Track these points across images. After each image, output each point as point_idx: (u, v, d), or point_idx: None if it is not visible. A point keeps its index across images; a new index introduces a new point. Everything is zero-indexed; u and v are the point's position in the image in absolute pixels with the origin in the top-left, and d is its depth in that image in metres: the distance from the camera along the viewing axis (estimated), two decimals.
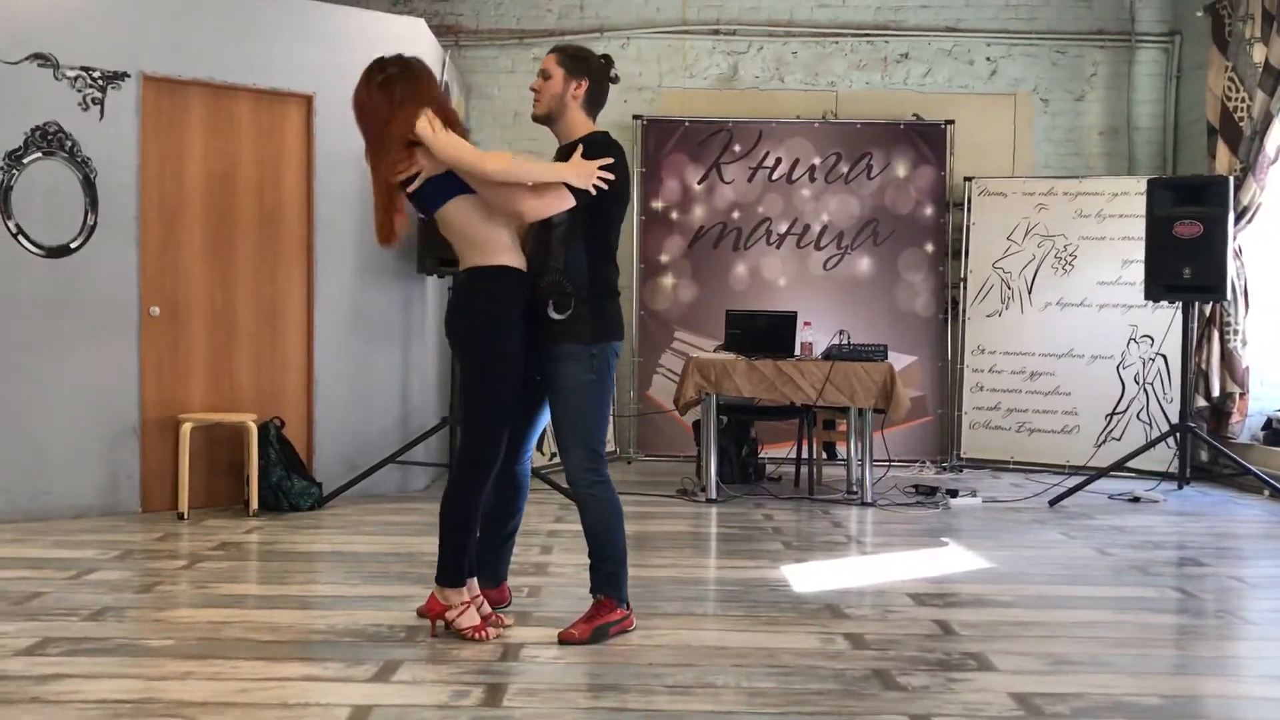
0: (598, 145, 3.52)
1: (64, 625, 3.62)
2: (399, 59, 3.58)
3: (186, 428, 5.56)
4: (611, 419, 3.67)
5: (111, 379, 5.55)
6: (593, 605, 3.57)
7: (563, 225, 3.50)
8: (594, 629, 3.51)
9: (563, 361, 3.52)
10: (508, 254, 3.49)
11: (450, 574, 3.50)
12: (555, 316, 3.49)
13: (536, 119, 3.65)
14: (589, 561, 3.61)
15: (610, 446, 8.03)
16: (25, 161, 5.34)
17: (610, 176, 3.46)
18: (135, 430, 5.62)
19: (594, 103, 3.64)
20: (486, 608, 3.61)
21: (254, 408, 5.91)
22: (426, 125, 3.39)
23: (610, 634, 3.54)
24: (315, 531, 5.33)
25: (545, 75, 3.59)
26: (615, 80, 3.69)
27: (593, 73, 3.60)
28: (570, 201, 3.44)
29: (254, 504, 5.68)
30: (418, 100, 3.45)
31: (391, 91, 3.49)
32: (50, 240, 5.42)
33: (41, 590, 4.06)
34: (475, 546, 3.61)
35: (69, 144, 5.43)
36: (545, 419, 3.75)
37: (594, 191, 3.44)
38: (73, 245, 5.46)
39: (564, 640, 3.47)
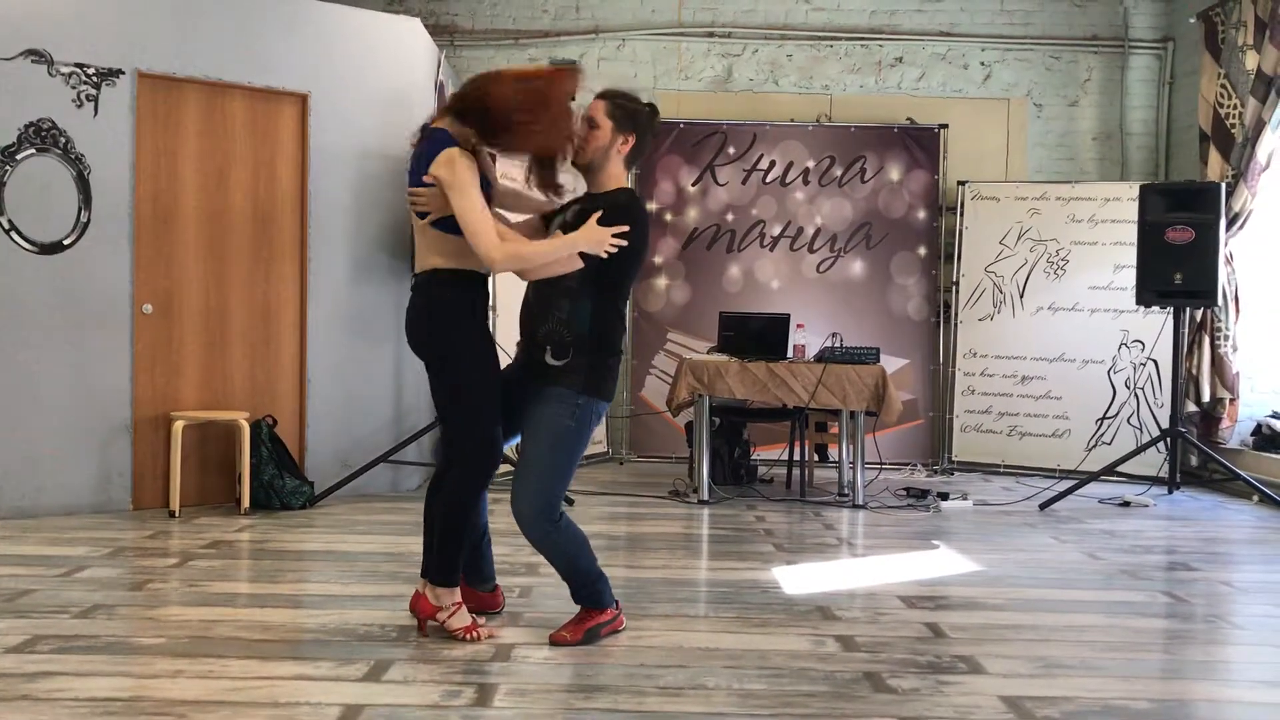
0: (618, 210, 3.41)
1: (54, 623, 3.61)
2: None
3: (178, 425, 5.56)
4: (574, 470, 3.55)
5: (104, 376, 5.54)
6: (581, 610, 3.57)
7: (570, 278, 3.40)
8: (585, 631, 3.51)
9: (547, 401, 3.43)
10: (474, 260, 3.43)
11: (447, 574, 3.50)
12: (551, 362, 3.42)
13: (576, 166, 3.53)
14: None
15: (602, 447, 8.05)
16: (19, 158, 5.33)
17: (623, 243, 3.36)
18: (127, 428, 5.61)
19: (636, 158, 3.56)
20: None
21: (246, 406, 5.91)
22: (452, 173, 3.28)
23: (602, 635, 3.55)
24: (307, 530, 5.33)
25: (593, 124, 3.46)
26: (657, 133, 3.60)
27: (640, 128, 3.50)
28: (579, 264, 3.37)
29: (246, 502, 5.67)
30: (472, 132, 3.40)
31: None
32: (43, 237, 5.41)
33: (32, 588, 4.05)
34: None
35: (63, 140, 5.42)
36: (512, 440, 3.66)
37: (605, 256, 3.36)
38: (66, 242, 5.45)
39: (555, 642, 3.47)
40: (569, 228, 3.48)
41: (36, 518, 5.35)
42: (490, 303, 7.03)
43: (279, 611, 3.86)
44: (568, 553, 3.49)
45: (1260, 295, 7.31)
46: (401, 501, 6.12)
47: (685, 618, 3.89)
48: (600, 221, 3.36)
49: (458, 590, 3.53)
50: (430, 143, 3.39)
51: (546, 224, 3.68)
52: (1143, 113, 8.37)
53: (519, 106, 3.31)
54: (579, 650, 3.44)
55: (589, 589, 3.55)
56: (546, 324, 3.45)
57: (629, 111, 3.50)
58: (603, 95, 3.53)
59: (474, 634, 3.47)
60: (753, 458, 7.16)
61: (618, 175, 3.53)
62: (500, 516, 4.01)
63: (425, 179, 3.36)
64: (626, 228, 3.38)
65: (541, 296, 3.47)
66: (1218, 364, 7.24)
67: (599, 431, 8.02)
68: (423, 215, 3.43)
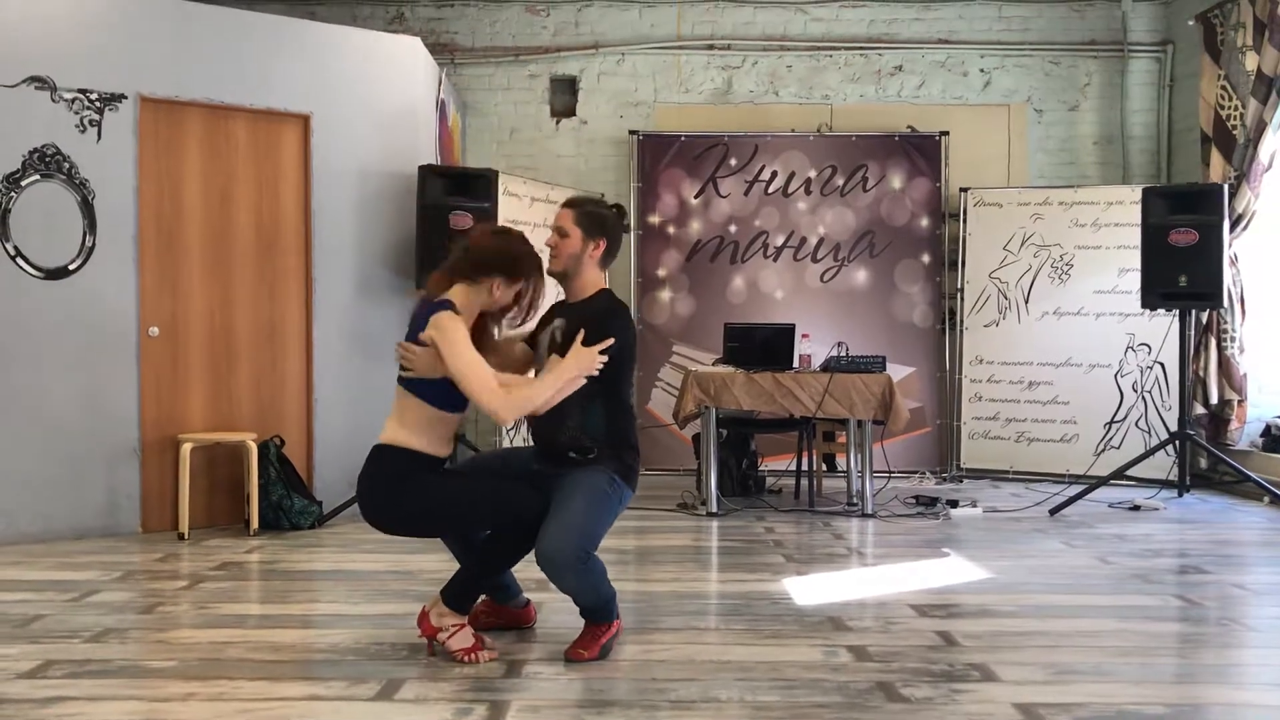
0: (599, 320, 3.48)
1: (66, 647, 3.61)
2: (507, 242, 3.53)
3: (186, 447, 5.56)
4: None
5: (111, 400, 5.55)
6: (589, 626, 3.56)
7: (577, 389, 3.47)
8: (600, 646, 3.51)
9: (585, 470, 3.49)
10: (432, 446, 3.46)
11: (459, 597, 3.50)
12: (576, 457, 3.50)
13: (552, 275, 3.60)
14: (577, 605, 3.57)
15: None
16: (23, 184, 5.36)
17: (608, 357, 3.42)
18: (135, 451, 5.62)
19: (609, 259, 3.63)
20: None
21: (254, 427, 5.91)
22: (444, 333, 3.32)
23: (610, 648, 3.57)
24: (316, 550, 5.33)
25: (562, 233, 3.56)
26: (628, 230, 3.68)
27: (609, 231, 3.59)
28: (580, 382, 3.42)
29: (254, 523, 5.67)
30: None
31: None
32: (49, 262, 5.43)
33: (43, 613, 4.05)
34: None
35: (67, 166, 5.44)
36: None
37: (597, 372, 3.41)
38: (71, 267, 5.47)
39: (571, 659, 3.47)
40: (558, 348, 3.51)
41: (46, 542, 5.35)
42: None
43: (289, 632, 3.85)
44: (595, 586, 3.49)
45: (1266, 296, 7.29)
46: None
47: (696, 630, 3.88)
48: (584, 341, 3.42)
49: (463, 615, 3.52)
50: (429, 306, 3.44)
51: (532, 344, 3.72)
52: (1143, 116, 8.37)
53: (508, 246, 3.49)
54: (590, 665, 3.43)
55: (605, 609, 3.56)
56: (563, 435, 3.51)
57: (596, 218, 3.59)
58: (569, 204, 3.63)
59: (474, 656, 3.46)
60: (760, 469, 7.15)
61: (595, 279, 3.62)
62: None
63: (419, 338, 3.39)
64: (611, 340, 3.43)
65: (552, 410, 3.48)
66: (1225, 366, 7.23)
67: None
68: (405, 372, 3.45)
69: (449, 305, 3.41)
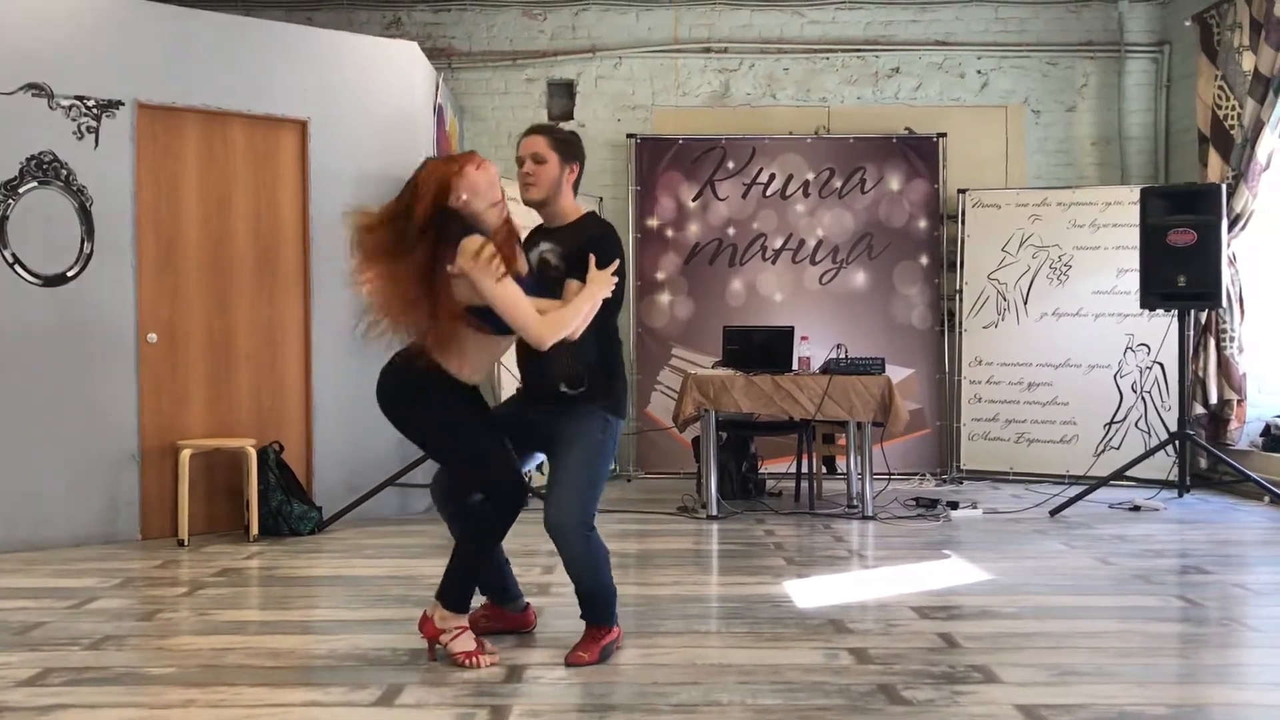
0: (604, 243, 3.51)
1: (65, 655, 3.61)
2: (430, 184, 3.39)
3: (185, 454, 5.56)
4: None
5: (110, 406, 5.55)
6: (590, 629, 3.57)
7: None
8: (601, 650, 3.51)
9: (577, 418, 3.49)
10: (465, 370, 3.44)
11: (458, 598, 3.50)
12: (568, 392, 3.49)
13: (530, 203, 3.60)
14: (578, 594, 3.58)
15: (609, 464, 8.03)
16: (21, 191, 5.35)
17: (619, 276, 3.49)
18: (134, 457, 5.61)
19: (578, 182, 3.68)
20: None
21: (253, 432, 5.91)
22: (477, 262, 3.27)
23: (613, 651, 3.57)
24: (316, 556, 5.32)
25: (538, 159, 3.54)
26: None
27: (581, 155, 3.64)
28: (596, 308, 3.46)
29: (254, 529, 5.67)
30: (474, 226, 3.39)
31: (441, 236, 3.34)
32: (47, 269, 5.43)
33: (42, 620, 4.04)
34: (480, 579, 3.68)
35: (64, 173, 5.44)
36: (524, 467, 3.71)
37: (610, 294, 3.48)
38: (69, 274, 5.47)
39: (572, 664, 3.46)
40: (552, 268, 3.52)
41: (45, 550, 5.35)
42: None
43: (290, 638, 3.85)
44: (598, 567, 3.52)
45: (1265, 296, 7.29)
46: (410, 525, 6.12)
47: (697, 634, 3.88)
48: (598, 265, 3.46)
49: (464, 616, 3.51)
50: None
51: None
52: (1141, 116, 8.37)
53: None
54: (591, 670, 3.43)
55: (605, 605, 3.56)
56: (555, 365, 3.48)
57: (569, 142, 3.63)
58: (536, 131, 3.62)
59: (475, 660, 3.45)
60: (760, 471, 7.14)
61: (572, 205, 3.64)
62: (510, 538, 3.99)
63: (449, 271, 3.31)
64: (618, 261, 3.50)
65: None
66: (1224, 366, 7.23)
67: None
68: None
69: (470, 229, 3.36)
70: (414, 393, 3.44)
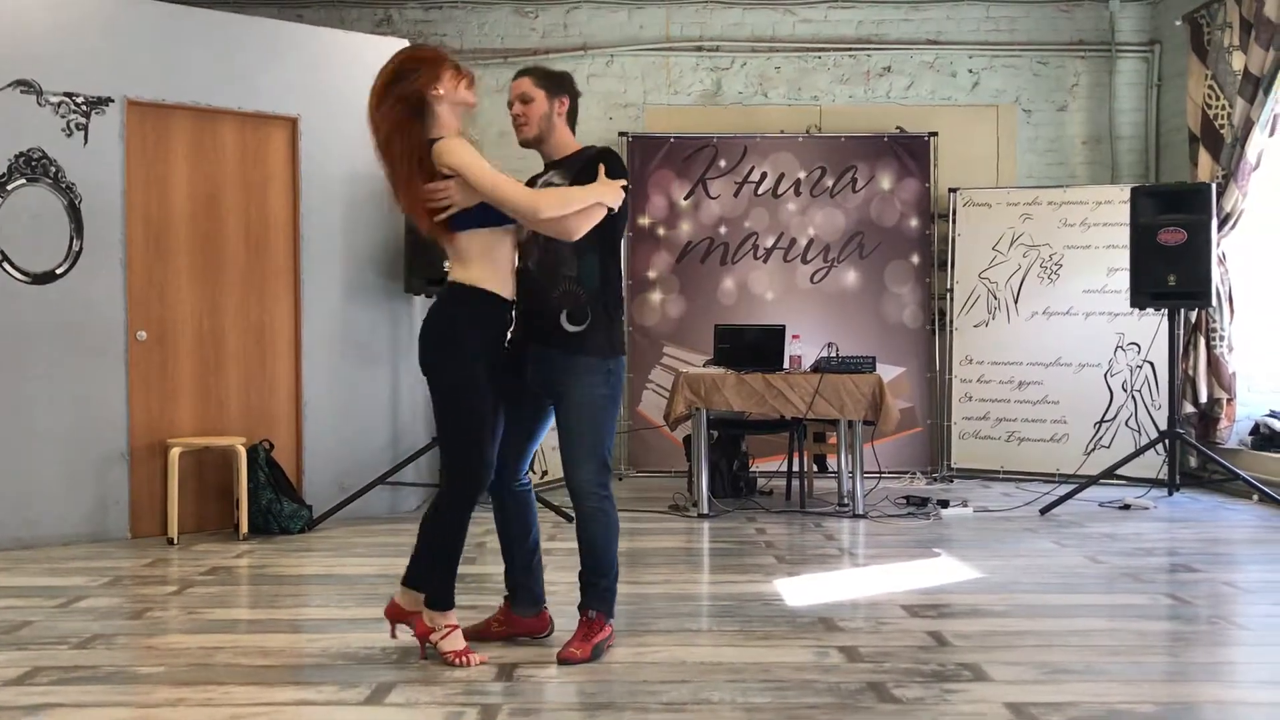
0: (612, 159, 3.54)
1: (53, 654, 3.59)
2: (411, 60, 3.45)
3: (175, 452, 5.54)
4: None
5: (99, 404, 5.53)
6: (584, 623, 3.55)
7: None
8: (593, 646, 3.49)
9: (580, 375, 3.47)
10: (497, 281, 3.44)
11: (441, 596, 3.49)
12: (571, 329, 3.45)
13: (526, 143, 3.62)
14: (582, 576, 3.59)
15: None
16: (9, 188, 5.33)
17: (627, 191, 3.51)
18: (124, 456, 5.60)
19: (573, 118, 3.66)
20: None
21: (243, 431, 5.89)
22: (469, 158, 3.33)
23: (605, 649, 3.54)
24: (306, 554, 5.31)
25: (525, 99, 3.57)
26: (580, 93, 3.73)
27: (570, 89, 3.64)
28: (602, 215, 3.45)
29: (244, 528, 5.65)
30: (442, 121, 3.41)
31: (411, 112, 3.38)
32: (36, 267, 5.40)
33: (30, 619, 4.03)
34: (508, 574, 3.69)
35: (53, 170, 5.42)
36: (540, 437, 3.72)
37: (615, 208, 3.48)
38: (59, 271, 5.45)
39: (565, 660, 3.45)
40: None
41: (33, 548, 5.32)
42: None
43: (279, 637, 3.84)
44: (610, 531, 3.54)
45: (1254, 295, 7.31)
46: (400, 523, 6.10)
47: (688, 632, 3.88)
48: (607, 173, 3.46)
49: (452, 613, 3.51)
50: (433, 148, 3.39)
51: None
52: (1131, 116, 8.39)
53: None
54: (581, 668, 3.42)
55: (607, 584, 3.55)
56: (558, 287, 3.46)
57: (554, 76, 3.65)
58: (522, 73, 3.67)
59: (465, 659, 3.44)
60: (752, 470, 7.14)
61: (569, 138, 3.63)
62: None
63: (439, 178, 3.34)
64: (625, 180, 3.51)
65: (546, 260, 3.48)
66: (1214, 365, 7.24)
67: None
68: (445, 214, 3.38)
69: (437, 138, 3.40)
70: (441, 341, 3.43)
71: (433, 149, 3.36)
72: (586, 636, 3.51)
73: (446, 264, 3.76)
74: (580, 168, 3.52)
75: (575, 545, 3.60)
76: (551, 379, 3.52)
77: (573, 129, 3.66)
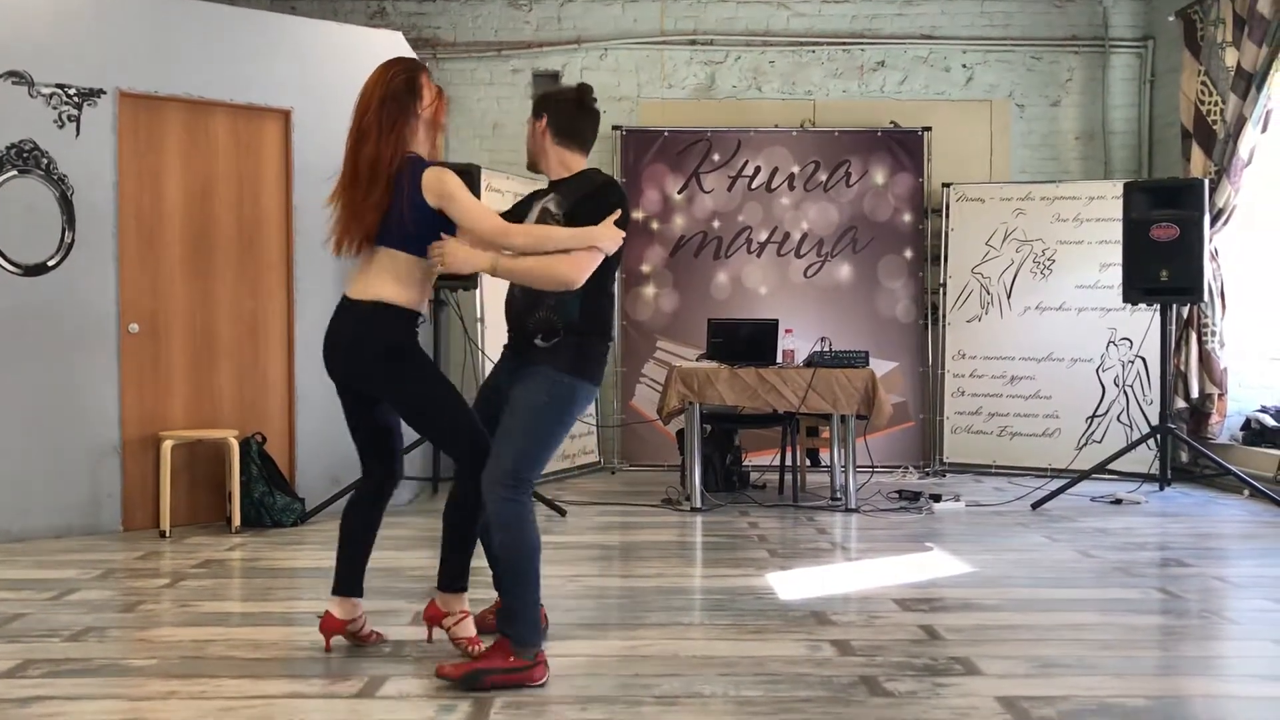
0: (610, 195, 3.41)
1: (45, 646, 3.58)
2: (408, 71, 3.44)
3: (167, 445, 5.53)
4: (555, 450, 3.44)
5: (91, 397, 5.51)
6: (499, 640, 3.24)
7: None
8: (467, 672, 3.15)
9: (527, 378, 3.37)
10: (408, 297, 3.41)
11: (462, 580, 3.50)
12: (540, 344, 3.38)
13: (530, 169, 3.64)
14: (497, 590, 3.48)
15: (594, 457, 8.03)
16: (1, 180, 5.31)
17: (624, 232, 3.38)
18: (116, 448, 5.58)
19: (565, 133, 3.50)
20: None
21: (235, 424, 5.88)
22: (454, 189, 3.30)
23: (486, 684, 3.13)
24: (298, 547, 5.30)
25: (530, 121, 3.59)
26: (584, 105, 3.54)
27: (549, 105, 3.52)
28: (598, 259, 3.32)
29: (236, 521, 5.64)
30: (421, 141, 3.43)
31: (393, 123, 3.38)
32: (27, 258, 5.39)
33: (22, 611, 4.02)
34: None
35: (45, 161, 5.40)
36: None
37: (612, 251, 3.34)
38: (50, 263, 5.43)
39: (438, 674, 3.20)
40: (552, 216, 3.43)
41: (25, 541, 5.31)
42: (478, 315, 7.04)
43: (272, 629, 3.84)
44: (517, 546, 3.23)
45: (1246, 290, 7.33)
46: (392, 517, 6.07)
47: (680, 626, 3.88)
48: (599, 209, 3.35)
49: (464, 597, 3.50)
50: (411, 167, 3.35)
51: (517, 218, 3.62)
52: (1124, 111, 8.40)
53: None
54: (574, 662, 3.42)
55: (510, 601, 3.26)
56: (537, 312, 3.41)
57: (538, 99, 3.62)
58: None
59: (478, 646, 3.44)
60: (744, 464, 7.16)
61: (562, 157, 3.52)
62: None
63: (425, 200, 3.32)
64: (619, 212, 3.37)
65: (530, 290, 3.42)
66: (1205, 360, 7.26)
67: (590, 442, 8.02)
68: (440, 267, 3.38)
69: (422, 162, 3.38)
70: (397, 356, 3.39)
71: (425, 173, 3.31)
72: (478, 657, 3.27)
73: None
74: (577, 200, 3.41)
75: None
76: (511, 385, 3.44)
77: (575, 141, 3.52)
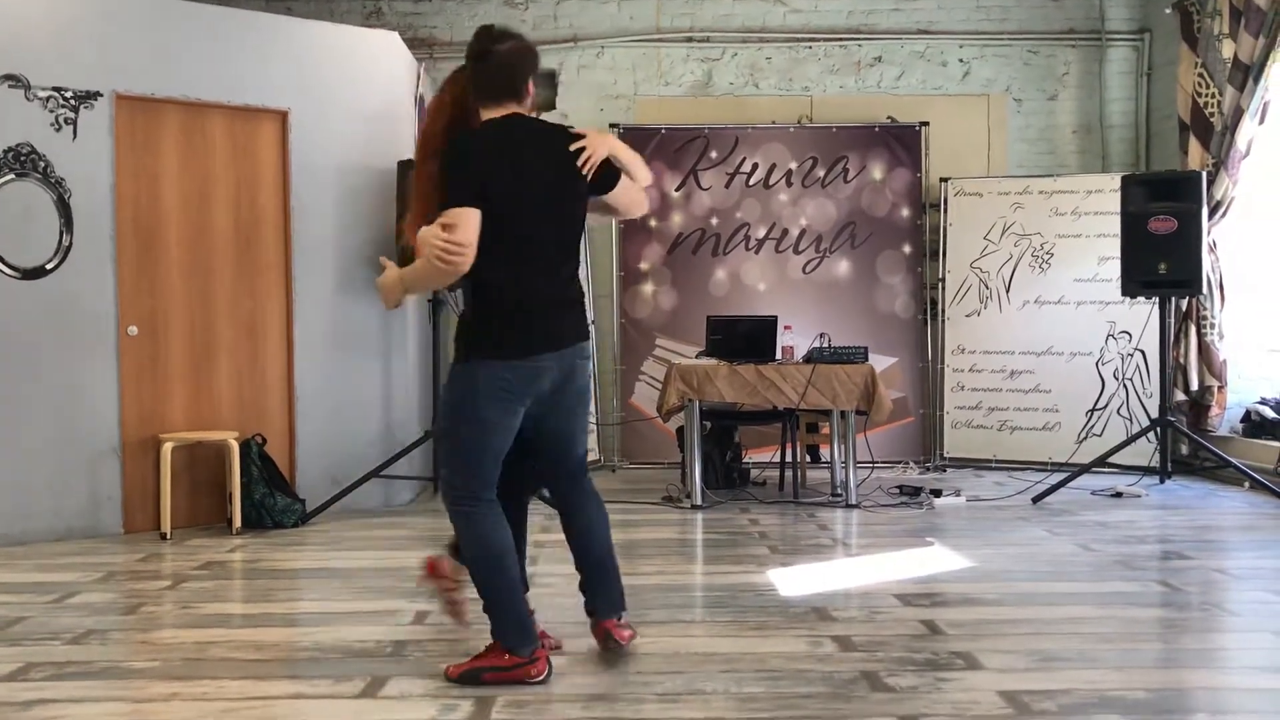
0: (443, 159, 3.18)
1: (47, 650, 3.59)
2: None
3: (167, 447, 5.53)
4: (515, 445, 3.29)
5: (91, 399, 5.52)
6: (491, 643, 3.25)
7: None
8: (464, 670, 3.20)
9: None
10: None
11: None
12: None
13: None
14: None
15: (594, 455, 8.03)
16: None
17: (451, 237, 3.03)
18: (116, 451, 5.58)
19: (480, 95, 3.26)
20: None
21: (235, 425, 5.88)
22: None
23: (484, 680, 3.17)
24: (299, 548, 5.31)
25: None
26: (481, 57, 3.27)
27: (466, 78, 3.31)
28: (447, 270, 3.07)
29: (237, 522, 5.65)
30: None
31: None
32: (26, 262, 5.38)
33: (23, 615, 4.02)
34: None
35: (42, 165, 5.40)
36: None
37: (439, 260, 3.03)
38: (49, 266, 5.43)
39: (446, 675, 3.24)
40: None
41: (26, 544, 5.32)
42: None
43: (273, 631, 3.84)
44: (476, 556, 3.19)
45: (1245, 282, 7.33)
46: (393, 517, 6.11)
47: (681, 623, 3.89)
48: (449, 167, 3.12)
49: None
50: None
51: None
52: (1122, 104, 8.40)
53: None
54: (576, 659, 3.43)
55: (495, 614, 3.19)
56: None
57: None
58: None
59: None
60: (744, 461, 7.16)
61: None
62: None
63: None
64: (461, 172, 3.08)
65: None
66: (1205, 352, 7.27)
67: (590, 440, 8.00)
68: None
69: None
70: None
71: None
72: (476, 657, 3.25)
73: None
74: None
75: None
76: None
77: (489, 97, 3.27)
